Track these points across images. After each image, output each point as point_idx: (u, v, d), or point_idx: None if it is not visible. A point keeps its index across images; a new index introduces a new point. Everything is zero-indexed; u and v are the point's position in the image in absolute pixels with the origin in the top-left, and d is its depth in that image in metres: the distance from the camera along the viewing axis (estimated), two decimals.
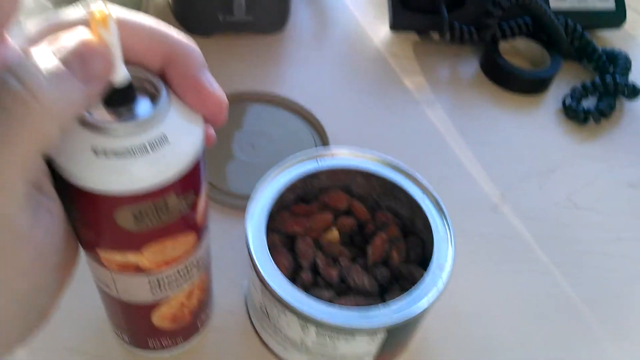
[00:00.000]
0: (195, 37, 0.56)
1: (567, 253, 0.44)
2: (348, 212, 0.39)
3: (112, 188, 0.22)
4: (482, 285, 0.41)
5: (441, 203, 0.35)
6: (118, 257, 0.25)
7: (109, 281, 0.28)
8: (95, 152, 0.21)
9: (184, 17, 0.56)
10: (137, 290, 0.28)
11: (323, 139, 0.48)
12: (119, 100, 0.22)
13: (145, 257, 0.26)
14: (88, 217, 0.23)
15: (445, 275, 0.32)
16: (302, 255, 0.36)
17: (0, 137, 0.17)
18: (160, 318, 0.31)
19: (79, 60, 0.19)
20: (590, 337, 0.39)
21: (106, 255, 0.25)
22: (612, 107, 0.53)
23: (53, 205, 0.21)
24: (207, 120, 0.24)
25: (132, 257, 0.25)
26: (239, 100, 0.50)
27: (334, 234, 0.37)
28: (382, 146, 0.49)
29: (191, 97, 0.22)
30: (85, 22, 0.21)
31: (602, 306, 0.41)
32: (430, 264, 0.32)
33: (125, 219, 0.23)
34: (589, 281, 0.42)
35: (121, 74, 0.21)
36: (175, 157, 0.22)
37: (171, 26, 0.22)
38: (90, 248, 0.26)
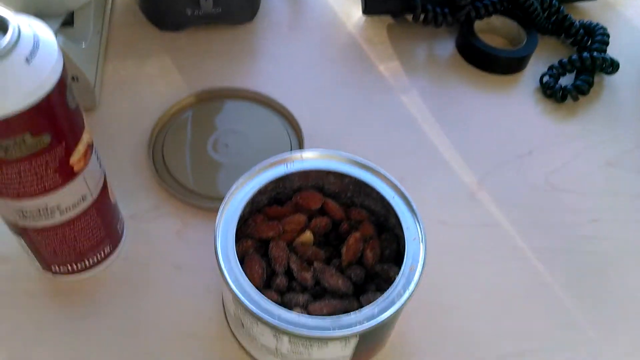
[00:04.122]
0: (165, 32, 0.55)
1: (545, 238, 0.44)
2: (322, 212, 0.39)
3: None
4: (460, 276, 0.41)
5: (411, 201, 0.35)
6: None
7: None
8: None
9: (151, 13, 0.55)
10: None
11: (298, 134, 0.48)
12: None
13: None
14: None
15: (416, 276, 0.32)
16: (276, 260, 0.35)
17: None
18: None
19: None
20: (570, 323, 0.39)
21: None
22: (590, 84, 0.53)
23: None
24: None
25: None
26: (211, 98, 0.50)
27: (307, 236, 0.37)
28: (357, 138, 0.49)
29: None
30: None
31: (581, 291, 0.41)
32: (402, 265, 0.32)
33: None
34: (568, 266, 0.42)
35: None
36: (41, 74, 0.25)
37: None
38: None
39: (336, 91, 0.52)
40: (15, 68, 0.25)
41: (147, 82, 0.51)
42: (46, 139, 0.28)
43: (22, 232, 0.34)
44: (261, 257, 0.36)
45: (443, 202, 0.45)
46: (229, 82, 0.51)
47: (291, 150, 0.46)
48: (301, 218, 0.38)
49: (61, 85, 0.27)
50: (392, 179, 0.36)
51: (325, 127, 0.49)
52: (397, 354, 0.37)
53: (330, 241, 0.39)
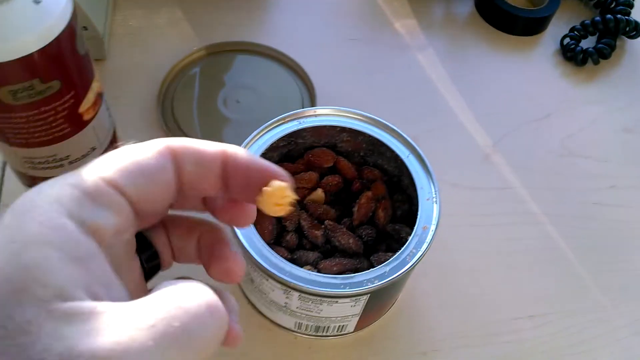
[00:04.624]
0: None
1: (559, 203, 0.43)
2: (334, 170, 0.38)
3: None
4: (471, 239, 0.41)
5: (426, 160, 0.34)
6: None
7: None
8: None
9: None
10: None
11: (310, 91, 0.47)
12: None
13: None
14: None
15: (429, 236, 0.31)
16: (286, 218, 0.35)
17: None
18: None
19: None
20: (581, 289, 0.39)
21: None
22: (612, 48, 0.51)
23: None
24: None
25: None
26: (222, 52, 0.49)
27: (318, 194, 0.37)
28: (371, 97, 0.48)
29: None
30: None
31: (593, 257, 0.41)
32: (415, 226, 0.32)
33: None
34: (581, 232, 0.42)
35: None
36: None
37: None
38: None
39: (350, 48, 0.51)
40: (24, 9, 0.24)
41: (158, 33, 0.50)
42: (56, 85, 0.27)
43: (31, 182, 0.33)
44: None
45: (457, 164, 0.44)
46: (241, 35, 0.50)
47: (302, 106, 0.45)
48: (312, 176, 0.37)
49: (71, 30, 0.26)
50: (407, 137, 0.35)
51: (338, 85, 0.48)
52: (405, 313, 0.37)
53: (342, 200, 0.38)
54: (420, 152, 0.34)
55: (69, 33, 0.26)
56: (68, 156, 0.31)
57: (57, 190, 0.16)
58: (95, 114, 0.31)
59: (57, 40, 0.25)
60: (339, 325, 0.34)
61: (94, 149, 0.32)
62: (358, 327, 0.35)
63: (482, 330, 0.37)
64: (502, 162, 0.45)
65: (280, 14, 0.53)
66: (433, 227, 0.32)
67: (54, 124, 0.29)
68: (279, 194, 0.19)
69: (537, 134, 0.47)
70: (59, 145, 0.30)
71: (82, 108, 0.29)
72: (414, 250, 0.31)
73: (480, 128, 0.47)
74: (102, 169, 0.16)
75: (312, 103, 0.46)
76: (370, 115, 0.36)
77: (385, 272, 0.30)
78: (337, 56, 0.50)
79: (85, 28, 0.43)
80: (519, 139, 0.46)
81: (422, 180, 0.34)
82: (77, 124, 0.30)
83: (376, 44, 0.51)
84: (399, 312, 0.37)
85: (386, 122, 0.36)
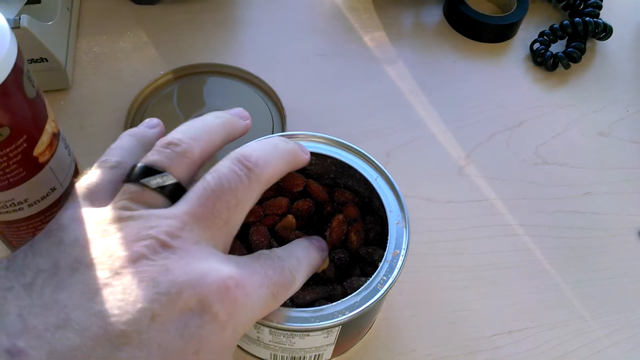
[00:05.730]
0: (140, 6, 0.52)
1: (535, 213, 0.43)
2: (305, 193, 0.38)
3: None
4: (447, 255, 0.40)
5: (395, 183, 0.34)
6: None
7: None
8: None
9: None
10: None
11: (280, 111, 0.46)
12: None
13: None
14: None
15: (399, 262, 0.31)
16: (257, 246, 0.34)
17: None
18: None
19: None
20: (560, 301, 0.39)
21: None
22: (582, 51, 0.51)
23: None
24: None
25: None
26: (191, 75, 0.48)
27: (289, 220, 0.36)
28: (342, 113, 0.47)
29: None
30: None
31: (571, 268, 0.40)
32: (385, 252, 0.31)
33: None
34: (558, 242, 0.41)
35: None
36: None
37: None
38: None
39: (319, 64, 0.50)
40: None
41: (123, 59, 0.49)
42: (4, 132, 0.26)
43: None
44: (241, 243, 0.35)
45: (431, 178, 0.44)
46: (209, 56, 0.49)
47: (273, 130, 0.45)
48: (283, 201, 0.36)
49: (17, 74, 0.26)
50: (375, 160, 0.35)
51: (308, 103, 0.47)
52: (384, 336, 0.37)
53: (314, 224, 0.38)
54: (389, 174, 0.34)
55: (15, 78, 0.25)
56: (26, 199, 0.30)
57: None
58: (52, 155, 0.30)
59: (2, 87, 0.25)
60: (315, 355, 0.33)
61: (53, 189, 0.31)
62: (335, 354, 0.35)
63: (461, 349, 0.37)
64: (476, 173, 0.44)
65: (247, 34, 0.52)
66: (403, 252, 0.31)
67: (7, 170, 0.28)
68: None
69: (510, 142, 0.47)
70: (15, 189, 0.29)
71: (37, 151, 0.29)
72: (384, 278, 0.30)
73: (453, 139, 0.46)
74: None
75: (282, 122, 0.45)
76: (336, 139, 0.35)
77: (355, 303, 0.29)
78: (307, 73, 0.50)
79: (45, 60, 0.42)
80: (492, 148, 0.46)
81: (392, 203, 0.33)
82: (33, 167, 0.29)
83: (346, 58, 0.51)
84: (377, 335, 0.37)
85: (352, 145, 0.35)
